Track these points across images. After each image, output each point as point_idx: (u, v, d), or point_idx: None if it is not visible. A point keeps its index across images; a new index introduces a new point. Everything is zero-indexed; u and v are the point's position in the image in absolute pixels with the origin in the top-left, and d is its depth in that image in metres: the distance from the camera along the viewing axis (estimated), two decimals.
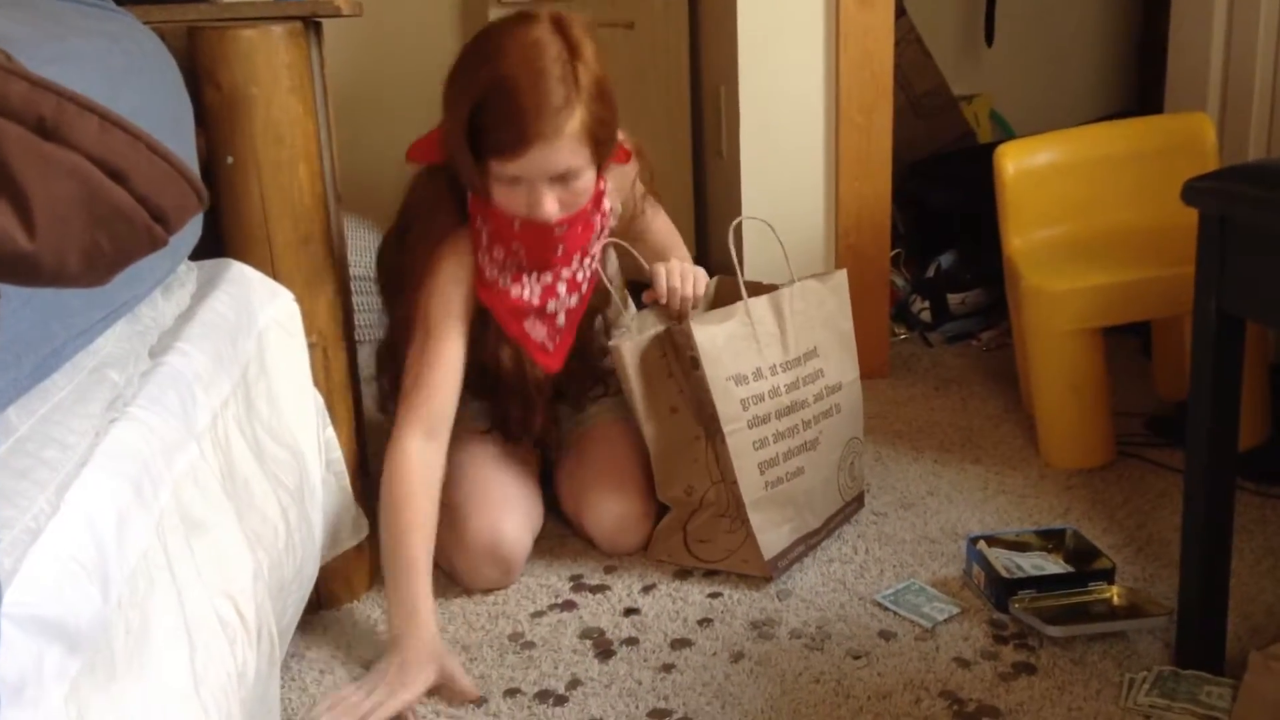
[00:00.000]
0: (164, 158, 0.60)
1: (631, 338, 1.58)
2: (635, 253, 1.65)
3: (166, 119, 1.21)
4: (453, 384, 1.51)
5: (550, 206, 1.44)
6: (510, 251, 1.52)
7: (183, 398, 1.02)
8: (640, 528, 1.67)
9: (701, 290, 1.64)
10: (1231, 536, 1.31)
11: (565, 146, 1.40)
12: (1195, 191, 1.22)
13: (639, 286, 1.68)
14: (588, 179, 1.47)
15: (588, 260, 1.59)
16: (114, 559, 0.80)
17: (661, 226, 1.73)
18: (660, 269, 1.62)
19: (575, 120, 1.40)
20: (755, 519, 1.55)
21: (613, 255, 1.71)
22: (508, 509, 1.61)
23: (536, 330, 1.59)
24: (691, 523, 1.62)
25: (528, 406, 1.64)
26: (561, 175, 1.44)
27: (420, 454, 1.47)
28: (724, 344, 1.54)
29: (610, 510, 1.66)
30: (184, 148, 1.27)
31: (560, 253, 1.54)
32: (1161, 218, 1.90)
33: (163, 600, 0.88)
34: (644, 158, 1.65)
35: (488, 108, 1.39)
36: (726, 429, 1.53)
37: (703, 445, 1.59)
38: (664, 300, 1.61)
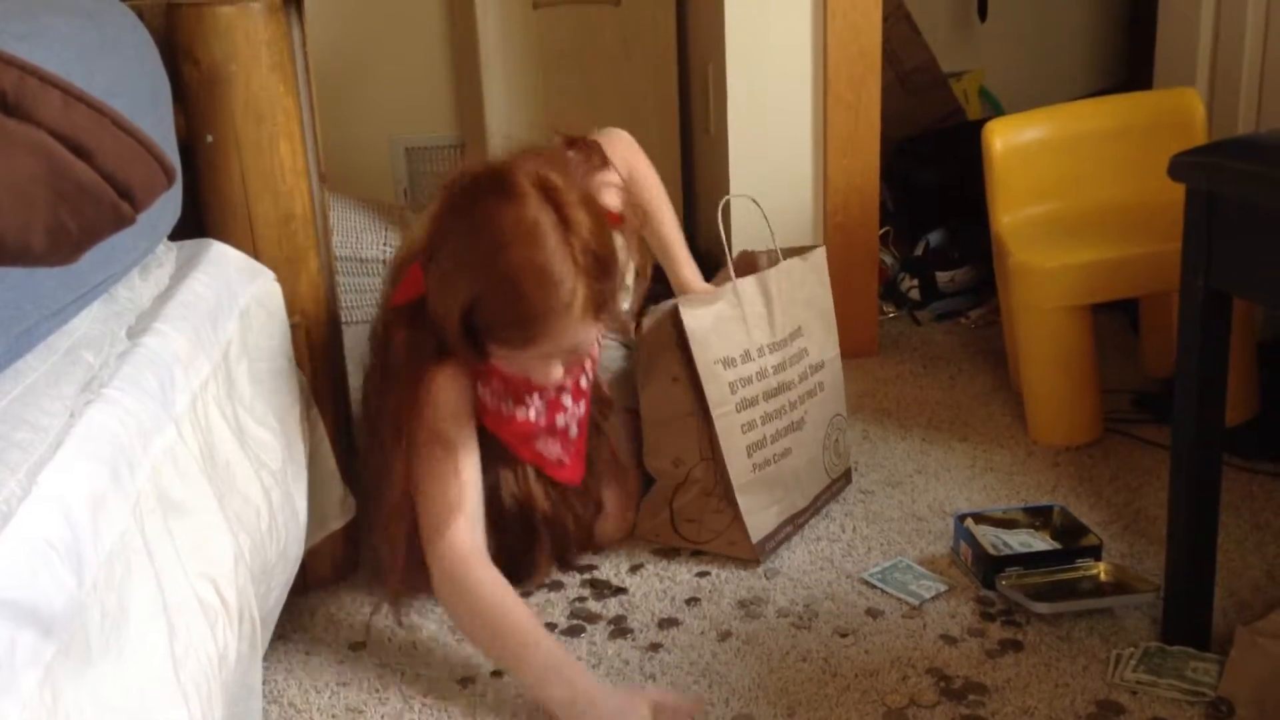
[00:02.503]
0: (130, 134, 0.59)
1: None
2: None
3: (143, 97, 1.20)
4: (481, 494, 1.41)
5: (557, 374, 1.38)
6: (510, 383, 1.44)
7: (161, 379, 1.01)
8: (633, 512, 1.66)
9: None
10: (1218, 513, 1.31)
11: (572, 328, 1.31)
12: (1182, 166, 1.22)
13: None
14: (592, 340, 1.41)
15: (588, 368, 1.54)
16: (89, 542, 0.79)
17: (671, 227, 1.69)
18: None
19: (579, 302, 1.29)
20: (743, 502, 1.55)
21: (627, 295, 1.61)
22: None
23: (550, 449, 1.51)
24: (678, 500, 1.62)
25: (530, 540, 1.53)
26: (569, 350, 1.36)
27: (485, 568, 1.35)
28: (712, 325, 1.53)
29: (605, 501, 1.64)
30: (162, 126, 1.25)
31: (586, 372, 1.52)
32: (1150, 194, 1.89)
33: (140, 583, 0.87)
34: (628, 217, 1.56)
35: (489, 305, 1.28)
36: (715, 412, 1.52)
37: (696, 420, 1.58)
38: None
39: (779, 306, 1.61)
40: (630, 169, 1.64)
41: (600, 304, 1.32)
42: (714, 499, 1.59)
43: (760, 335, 1.58)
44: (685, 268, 1.69)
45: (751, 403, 1.56)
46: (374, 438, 1.47)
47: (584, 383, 1.54)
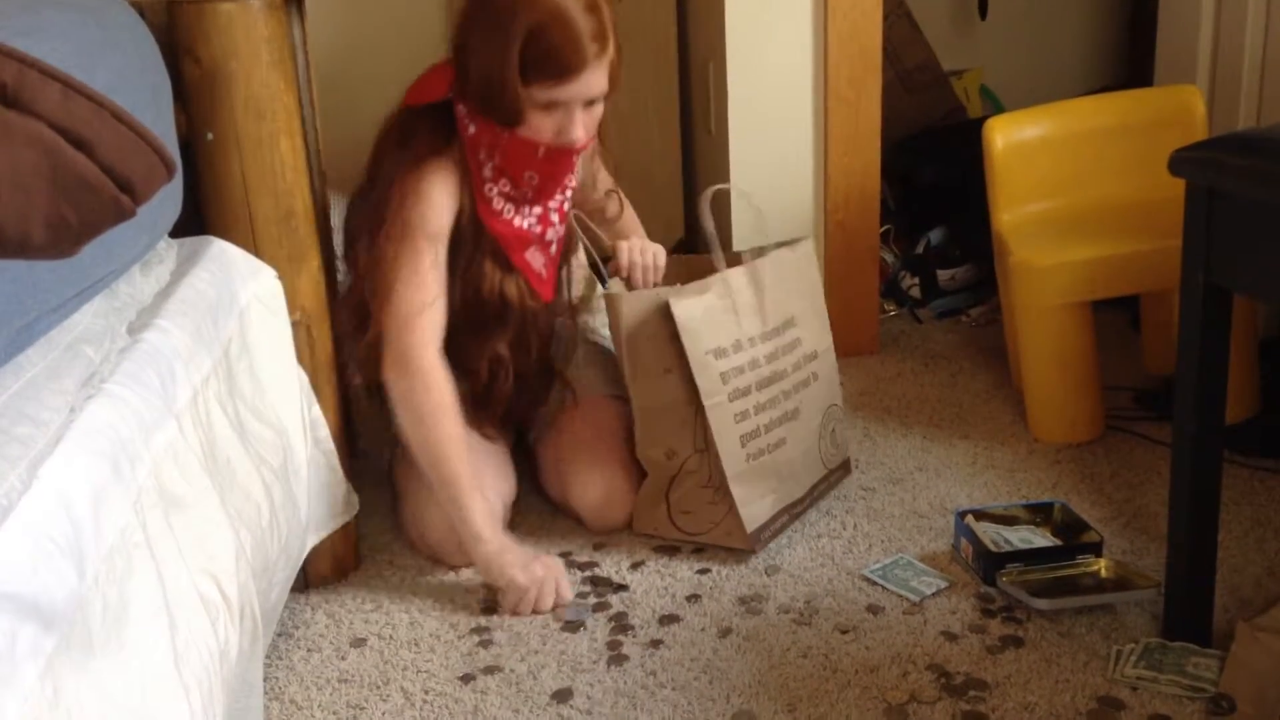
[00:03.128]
0: (130, 126, 0.59)
1: (623, 290, 1.60)
2: (597, 230, 1.71)
3: (144, 94, 1.20)
4: (443, 299, 1.55)
5: (580, 130, 1.51)
6: (521, 181, 1.57)
7: (161, 375, 1.01)
8: (627, 501, 1.66)
9: (662, 264, 1.70)
10: (1219, 509, 1.31)
11: (600, 71, 1.49)
12: (1182, 162, 1.22)
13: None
14: (603, 106, 1.55)
15: (569, 191, 1.66)
16: (90, 536, 0.80)
17: (619, 204, 1.79)
18: (622, 244, 1.70)
19: (609, 47, 1.50)
20: (738, 492, 1.55)
21: (580, 241, 1.74)
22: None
23: (535, 259, 1.64)
24: (674, 492, 1.62)
25: (522, 345, 1.67)
26: (592, 100, 1.51)
27: (441, 368, 1.53)
28: (702, 316, 1.53)
29: (595, 484, 1.65)
30: (163, 123, 1.25)
31: (570, 179, 1.63)
32: (1150, 191, 1.89)
33: (142, 578, 0.87)
34: (605, 142, 1.72)
35: (540, 37, 1.44)
36: (707, 403, 1.52)
37: (691, 410, 1.57)
38: (625, 273, 1.68)
39: (769, 296, 1.61)
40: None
41: (616, 62, 1.52)
42: (709, 490, 1.59)
43: (751, 325, 1.59)
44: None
45: (744, 393, 1.56)
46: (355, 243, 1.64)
47: (565, 206, 1.66)
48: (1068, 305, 1.82)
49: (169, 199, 1.21)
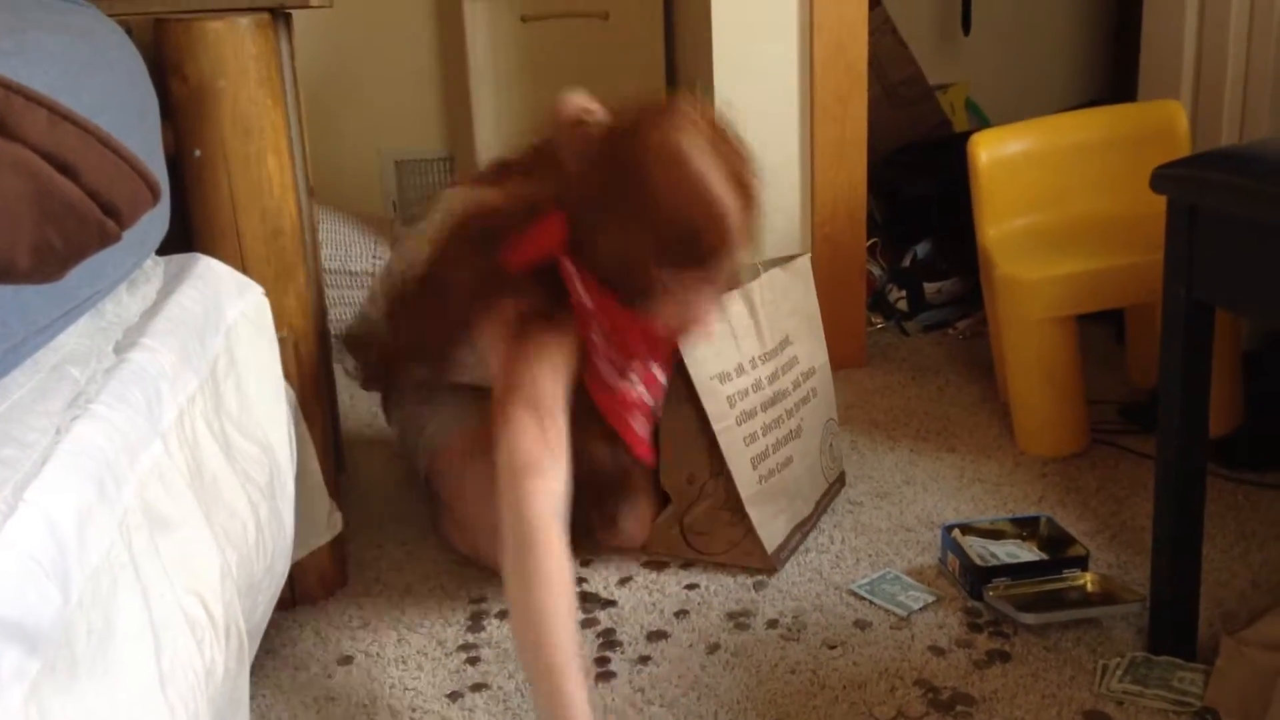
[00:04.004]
0: (116, 151, 0.59)
1: None
2: None
3: (131, 112, 1.20)
4: (566, 466, 1.33)
5: (709, 316, 1.37)
6: (632, 353, 1.43)
7: (147, 394, 1.01)
8: (650, 520, 1.65)
9: None
10: (1203, 523, 1.32)
11: (743, 251, 1.34)
12: (1164, 179, 1.23)
13: None
14: (737, 270, 1.42)
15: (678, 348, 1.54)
16: (75, 558, 0.79)
17: None
18: None
19: (754, 222, 1.33)
20: (754, 513, 1.55)
21: None
22: None
23: (640, 426, 1.50)
24: (689, 515, 1.62)
25: (620, 501, 1.56)
26: (729, 279, 1.38)
27: (563, 544, 1.26)
28: (703, 342, 1.53)
29: (627, 513, 1.63)
30: (150, 142, 1.25)
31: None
32: (1134, 205, 1.90)
33: (127, 599, 0.87)
34: None
35: (684, 223, 1.25)
36: (717, 427, 1.53)
37: (706, 438, 1.57)
38: None
39: (764, 317, 1.62)
40: None
41: (751, 227, 1.33)
42: (725, 512, 1.59)
43: (750, 347, 1.59)
44: None
45: (751, 415, 1.57)
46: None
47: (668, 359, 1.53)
48: (1053, 319, 1.83)
49: (156, 218, 1.21)
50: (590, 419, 1.42)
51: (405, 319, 1.54)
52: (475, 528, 1.61)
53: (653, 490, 1.66)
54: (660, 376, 1.51)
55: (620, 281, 1.31)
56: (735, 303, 1.59)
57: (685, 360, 1.51)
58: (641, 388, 1.48)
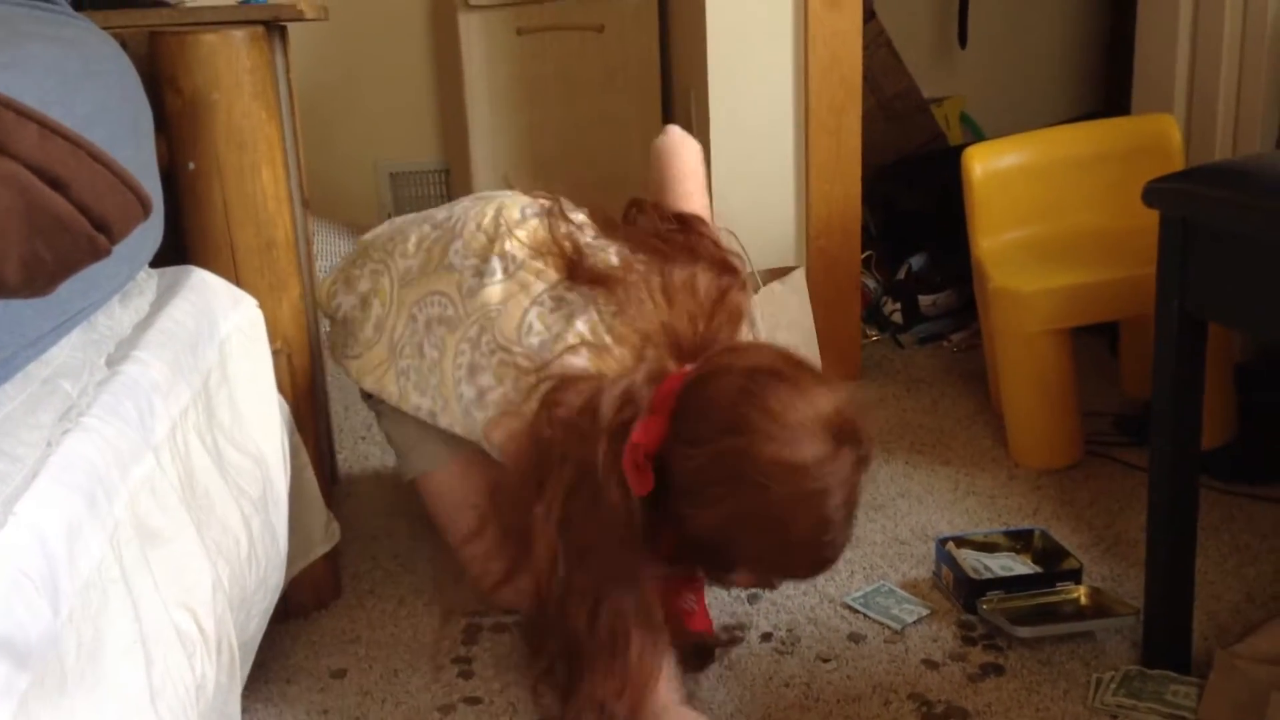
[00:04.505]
0: (107, 166, 0.59)
1: None
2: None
3: (125, 125, 1.20)
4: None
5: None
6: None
7: (140, 407, 1.01)
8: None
9: None
10: (1196, 536, 1.32)
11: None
12: (1156, 193, 1.23)
13: None
14: None
15: None
16: (65, 572, 0.79)
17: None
18: None
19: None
20: None
21: None
22: None
23: (687, 599, 1.43)
24: None
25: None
26: None
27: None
28: None
29: None
30: (143, 154, 1.25)
31: None
32: (1128, 219, 1.91)
33: (117, 613, 0.86)
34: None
35: (799, 548, 1.20)
36: None
37: None
38: None
39: (763, 332, 1.62)
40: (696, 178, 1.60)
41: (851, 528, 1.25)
42: None
43: None
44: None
45: None
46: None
47: None
48: (1047, 331, 1.83)
49: (149, 230, 1.20)
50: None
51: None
52: (465, 558, 1.59)
53: None
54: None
55: (697, 556, 1.24)
56: None
57: None
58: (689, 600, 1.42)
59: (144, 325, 1.16)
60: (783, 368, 1.22)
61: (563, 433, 1.25)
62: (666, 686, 1.25)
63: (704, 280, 1.40)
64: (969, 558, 1.54)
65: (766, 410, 1.16)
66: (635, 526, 1.21)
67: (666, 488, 1.20)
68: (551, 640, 1.27)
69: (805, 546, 1.19)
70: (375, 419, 1.80)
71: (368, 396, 1.61)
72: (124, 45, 1.33)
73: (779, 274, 1.72)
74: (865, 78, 2.25)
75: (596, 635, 1.21)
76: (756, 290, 1.66)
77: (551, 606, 1.24)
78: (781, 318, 1.67)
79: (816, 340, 1.75)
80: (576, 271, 1.41)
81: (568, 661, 1.24)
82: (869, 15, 2.78)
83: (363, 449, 2.09)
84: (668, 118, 2.67)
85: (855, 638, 1.45)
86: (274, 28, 1.57)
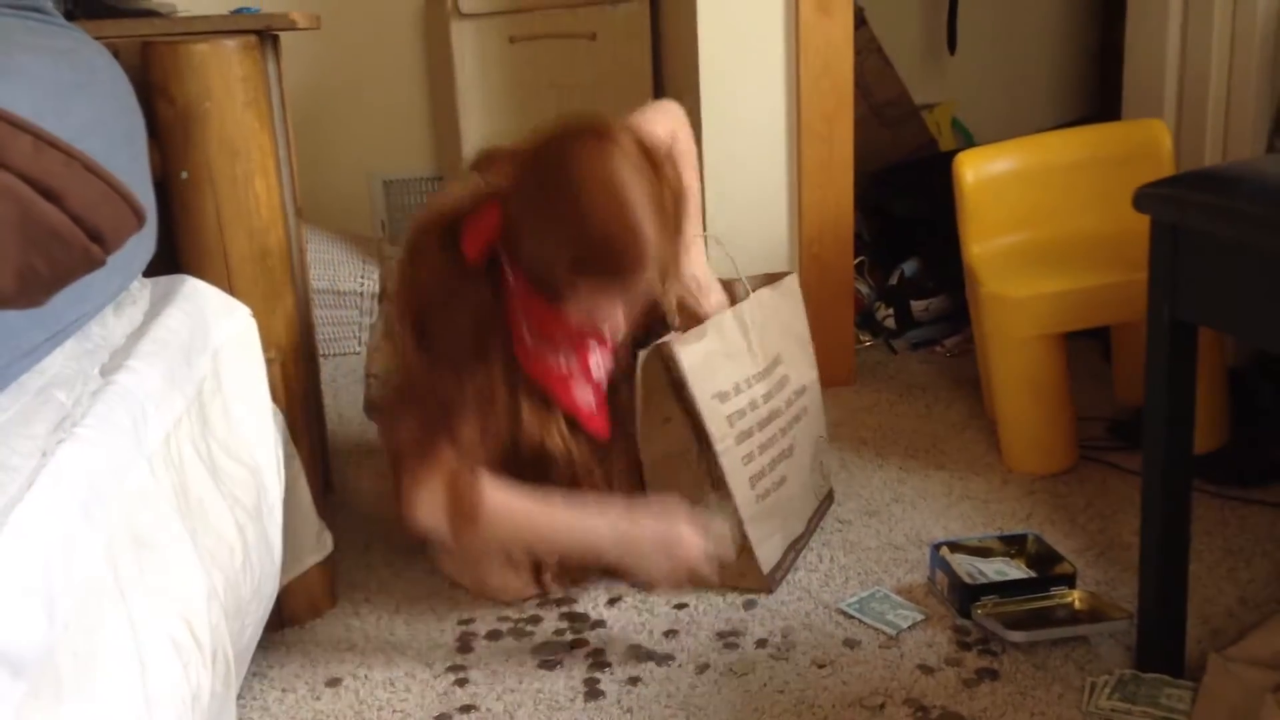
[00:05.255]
0: (101, 177, 0.59)
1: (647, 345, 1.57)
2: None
3: (118, 134, 1.20)
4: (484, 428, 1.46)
5: (620, 323, 1.43)
6: (557, 341, 1.51)
7: (133, 417, 1.01)
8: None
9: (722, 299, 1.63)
10: (1189, 540, 1.32)
11: (651, 273, 1.39)
12: (1147, 198, 1.24)
13: None
14: (651, 288, 1.46)
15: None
16: (60, 582, 0.79)
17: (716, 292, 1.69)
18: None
19: (665, 248, 1.39)
20: (752, 533, 1.55)
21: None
22: None
23: (585, 396, 1.55)
24: None
25: (574, 484, 1.55)
26: (641, 294, 1.43)
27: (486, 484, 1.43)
28: (703, 361, 1.53)
29: None
30: (136, 164, 1.26)
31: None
32: (1119, 224, 1.91)
33: (112, 623, 0.87)
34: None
35: (600, 238, 1.33)
36: (718, 447, 1.52)
37: (693, 458, 1.57)
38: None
39: (755, 337, 1.62)
40: (674, 141, 1.64)
41: (668, 255, 1.41)
42: None
43: (745, 367, 1.59)
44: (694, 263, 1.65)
45: (748, 434, 1.57)
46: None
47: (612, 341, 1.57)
48: (1039, 336, 1.84)
49: (143, 240, 1.21)
50: (532, 398, 1.51)
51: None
52: (481, 569, 1.59)
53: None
54: (598, 357, 1.57)
55: (538, 280, 1.41)
56: (728, 322, 1.59)
57: (686, 380, 1.50)
58: (564, 361, 1.54)
59: (138, 335, 1.16)
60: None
61: (410, 253, 1.49)
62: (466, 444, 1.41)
63: None
64: (963, 563, 1.54)
65: (581, 142, 1.36)
66: (482, 300, 1.44)
67: (508, 235, 1.42)
68: (406, 416, 1.48)
69: (613, 249, 1.33)
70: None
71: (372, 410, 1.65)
72: (116, 55, 1.33)
73: (772, 279, 1.72)
74: (856, 84, 2.26)
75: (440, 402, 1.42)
76: (746, 296, 1.66)
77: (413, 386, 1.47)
78: (774, 323, 1.67)
79: (811, 345, 1.75)
80: None
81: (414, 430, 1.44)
82: (860, 22, 2.79)
83: (357, 458, 2.09)
84: None
85: (850, 643, 1.45)
86: (266, 37, 1.57)
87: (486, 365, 1.46)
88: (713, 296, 1.64)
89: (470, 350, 1.44)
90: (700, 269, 1.65)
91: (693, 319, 1.61)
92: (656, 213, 1.35)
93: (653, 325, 1.61)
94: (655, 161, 1.37)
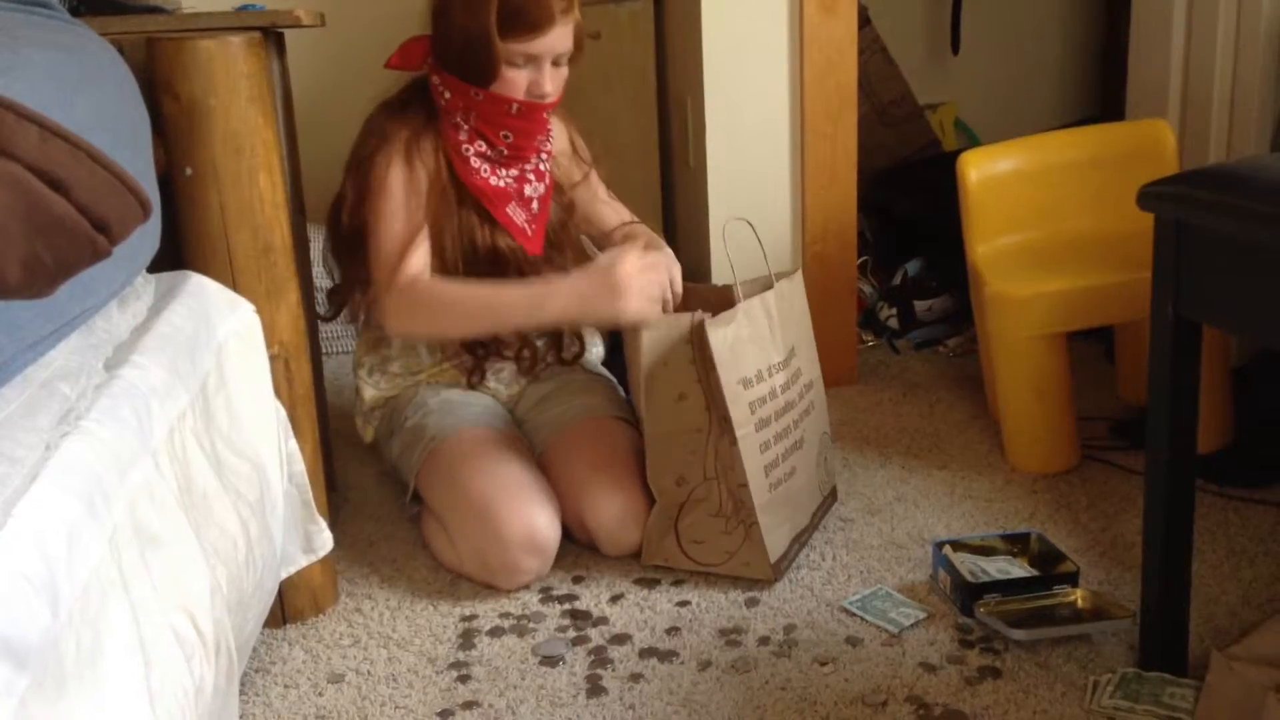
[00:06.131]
0: (107, 168, 0.60)
1: (655, 327, 1.58)
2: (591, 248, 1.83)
3: (123, 130, 1.20)
4: (425, 243, 1.72)
5: (549, 85, 1.69)
6: (497, 140, 1.73)
7: (137, 411, 1.01)
8: (642, 521, 1.65)
9: (679, 285, 1.68)
10: (1192, 539, 1.32)
11: (566, 30, 1.67)
12: (1150, 197, 1.23)
13: None
14: (567, 69, 1.73)
15: (545, 155, 1.82)
16: (64, 575, 0.79)
17: (605, 200, 1.93)
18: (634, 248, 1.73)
19: (573, 9, 1.68)
20: (764, 522, 1.55)
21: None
22: (534, 497, 1.61)
23: (517, 215, 1.77)
24: (683, 520, 1.62)
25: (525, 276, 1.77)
26: (560, 57, 1.69)
27: (425, 273, 1.70)
28: (732, 345, 1.54)
29: (613, 503, 1.64)
30: (141, 159, 1.26)
31: (543, 139, 1.79)
32: (1123, 223, 1.92)
33: (116, 616, 0.87)
34: (573, 123, 1.94)
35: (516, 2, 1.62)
36: (739, 433, 1.53)
37: (703, 438, 1.57)
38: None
39: (778, 327, 1.63)
40: None
41: (580, 25, 1.70)
42: (721, 519, 1.59)
43: (769, 355, 1.60)
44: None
45: (766, 423, 1.57)
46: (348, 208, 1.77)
47: (542, 167, 1.81)
48: (1043, 336, 1.84)
49: (147, 235, 1.21)
50: (475, 210, 1.75)
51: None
52: (465, 541, 1.60)
53: (644, 484, 1.65)
54: (532, 177, 1.79)
55: (469, 60, 1.66)
56: (755, 309, 1.59)
57: (716, 363, 1.50)
58: (510, 180, 1.77)
59: (142, 329, 1.17)
60: None
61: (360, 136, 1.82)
62: (416, 263, 1.69)
63: None
64: (966, 561, 1.54)
65: None
66: (417, 128, 1.74)
67: (437, 44, 1.74)
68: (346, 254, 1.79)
69: (525, 4, 1.63)
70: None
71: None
72: (121, 51, 1.33)
73: (784, 277, 1.73)
74: (860, 84, 2.26)
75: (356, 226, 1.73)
76: (770, 287, 1.66)
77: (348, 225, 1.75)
78: (790, 315, 1.68)
79: (815, 344, 1.75)
80: None
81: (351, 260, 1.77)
82: (864, 21, 2.79)
83: (360, 454, 2.09)
84: (664, 124, 2.67)
85: (853, 641, 1.45)
86: (271, 34, 1.57)
87: (433, 193, 1.71)
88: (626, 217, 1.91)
89: (414, 186, 1.70)
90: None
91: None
92: None
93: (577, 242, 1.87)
94: None
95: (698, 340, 1.53)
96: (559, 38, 1.66)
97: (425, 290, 1.67)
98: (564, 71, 1.72)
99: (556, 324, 1.78)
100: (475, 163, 1.73)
